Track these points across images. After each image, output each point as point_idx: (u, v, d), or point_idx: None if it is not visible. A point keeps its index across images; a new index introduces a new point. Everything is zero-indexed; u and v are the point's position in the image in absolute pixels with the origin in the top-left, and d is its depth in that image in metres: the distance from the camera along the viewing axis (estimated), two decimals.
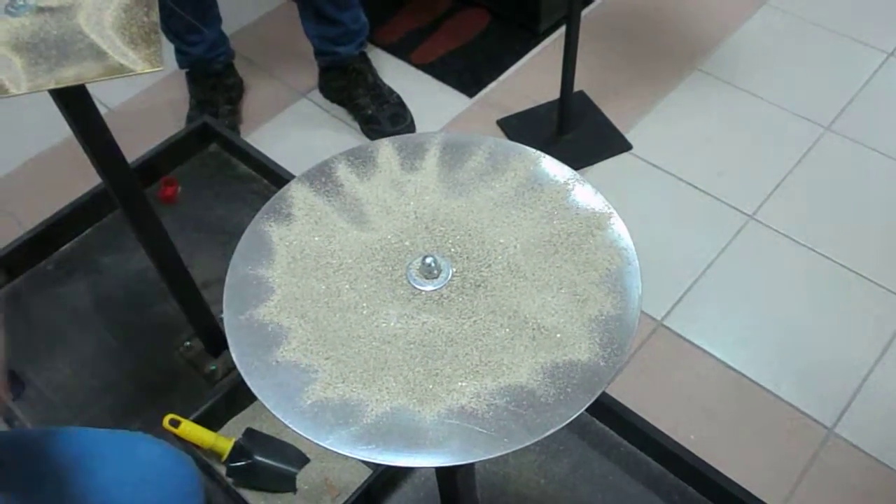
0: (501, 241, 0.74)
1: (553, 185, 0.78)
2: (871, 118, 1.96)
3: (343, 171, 0.81)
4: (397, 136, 0.83)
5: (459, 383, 0.64)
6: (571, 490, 1.38)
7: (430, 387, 0.64)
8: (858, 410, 1.48)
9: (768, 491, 1.36)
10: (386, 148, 0.82)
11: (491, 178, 0.79)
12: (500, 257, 0.72)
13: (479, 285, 0.70)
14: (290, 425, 0.62)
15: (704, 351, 1.57)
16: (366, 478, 1.34)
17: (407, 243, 0.74)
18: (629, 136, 1.95)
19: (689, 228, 1.78)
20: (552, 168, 0.79)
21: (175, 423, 1.37)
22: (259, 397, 0.64)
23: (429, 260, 0.70)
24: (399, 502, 1.38)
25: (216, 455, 1.38)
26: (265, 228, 0.76)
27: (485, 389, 0.63)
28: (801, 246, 1.73)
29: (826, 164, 1.87)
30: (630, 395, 1.44)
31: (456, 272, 0.72)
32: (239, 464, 1.36)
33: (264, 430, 1.42)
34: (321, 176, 0.80)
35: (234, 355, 0.67)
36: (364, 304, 0.70)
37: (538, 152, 0.81)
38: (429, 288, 0.70)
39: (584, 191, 0.77)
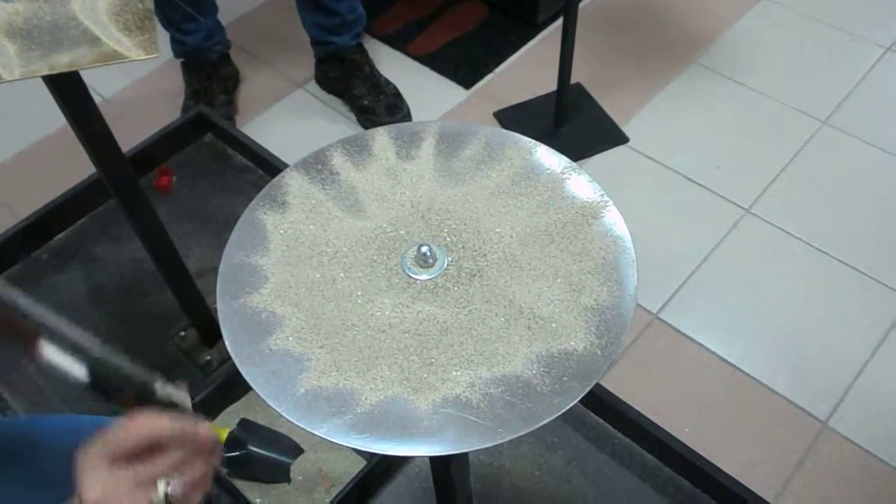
0: (497, 230, 0.73)
1: (549, 175, 0.78)
2: (869, 113, 1.95)
3: (338, 160, 0.80)
4: (393, 125, 0.83)
5: (454, 372, 0.64)
6: (566, 482, 1.38)
7: (425, 376, 0.64)
8: (852, 404, 1.48)
9: (762, 484, 1.36)
10: (382, 136, 0.82)
11: (487, 167, 0.79)
12: (495, 247, 0.72)
13: (475, 275, 0.70)
14: (284, 414, 0.62)
15: (700, 344, 1.57)
16: (360, 468, 1.34)
17: (402, 232, 0.74)
18: (626, 129, 1.95)
19: (685, 222, 1.77)
20: (548, 158, 0.79)
21: None
22: (252, 385, 0.64)
23: (424, 249, 0.70)
24: (393, 493, 1.38)
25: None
26: (260, 216, 0.76)
27: (479, 379, 0.63)
28: (797, 240, 1.73)
29: (823, 159, 1.87)
30: (625, 387, 1.44)
31: (451, 261, 0.71)
32: (233, 454, 1.36)
33: (259, 421, 1.42)
34: (317, 164, 0.80)
35: (227, 343, 0.66)
36: (359, 293, 0.69)
37: (534, 142, 0.80)
38: (424, 277, 0.70)
39: (579, 180, 0.77)
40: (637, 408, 1.40)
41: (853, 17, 2.17)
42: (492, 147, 0.80)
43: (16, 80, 0.90)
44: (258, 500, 1.35)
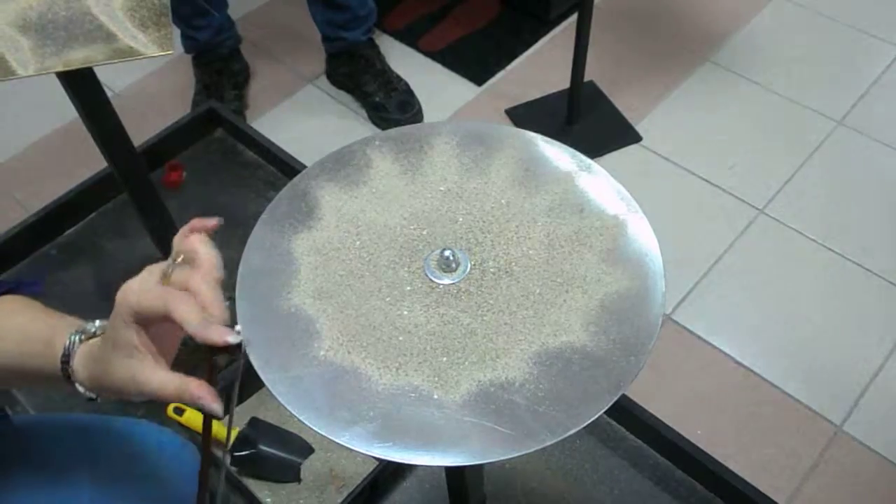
0: (521, 231, 0.72)
1: (576, 179, 0.76)
2: (884, 113, 1.94)
3: (371, 154, 0.79)
4: (427, 124, 0.82)
5: (479, 378, 0.63)
6: (578, 484, 1.38)
7: (448, 382, 0.63)
8: (867, 408, 1.47)
9: (775, 487, 1.35)
10: (412, 133, 0.81)
11: (513, 168, 0.77)
12: (519, 248, 0.71)
13: (498, 277, 0.69)
14: (307, 423, 0.60)
15: (713, 346, 1.56)
16: (371, 469, 1.33)
17: (425, 232, 0.72)
18: (639, 128, 1.93)
19: (698, 222, 1.76)
20: (571, 159, 0.78)
21: (179, 412, 1.36)
22: (271, 390, 0.62)
23: (447, 253, 0.69)
24: (404, 494, 1.37)
25: (220, 444, 1.37)
26: (288, 206, 0.75)
27: (505, 386, 0.62)
28: (811, 241, 1.71)
29: (838, 159, 1.86)
30: (637, 389, 1.42)
31: (474, 265, 0.70)
32: (243, 453, 1.35)
33: (269, 420, 1.41)
34: (346, 159, 0.79)
35: (244, 335, 0.65)
36: (385, 292, 0.68)
37: (571, 150, 0.79)
38: (446, 281, 0.69)
39: (601, 181, 0.76)
40: (649, 410, 1.39)
41: (869, 17, 2.15)
42: (518, 149, 0.79)
43: (30, 76, 0.89)
44: (269, 500, 1.35)
